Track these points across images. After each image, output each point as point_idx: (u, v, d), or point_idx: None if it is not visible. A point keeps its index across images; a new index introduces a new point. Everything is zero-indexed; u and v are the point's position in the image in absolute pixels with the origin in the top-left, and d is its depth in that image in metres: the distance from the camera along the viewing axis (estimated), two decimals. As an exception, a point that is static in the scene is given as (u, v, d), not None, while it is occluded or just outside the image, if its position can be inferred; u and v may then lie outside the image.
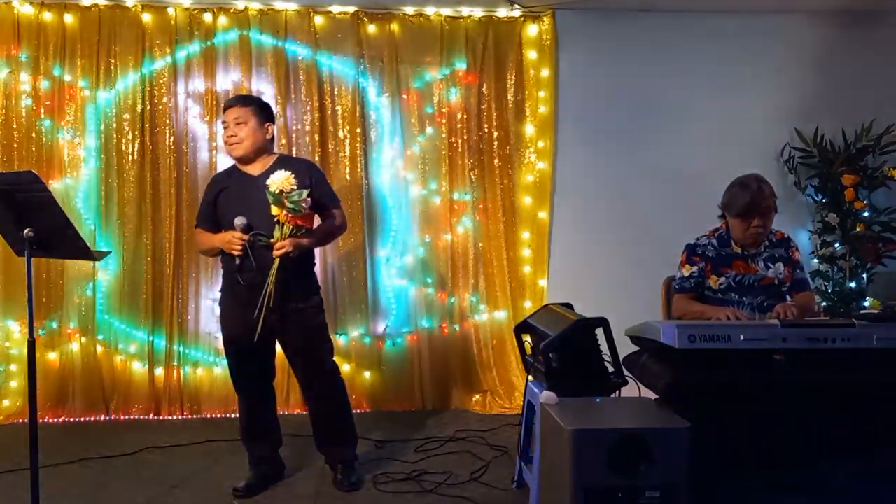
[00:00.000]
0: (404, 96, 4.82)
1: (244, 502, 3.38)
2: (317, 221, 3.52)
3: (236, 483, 3.47)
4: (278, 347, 3.54)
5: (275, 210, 3.18)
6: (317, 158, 4.60)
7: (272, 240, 3.21)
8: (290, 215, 3.17)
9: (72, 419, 4.56)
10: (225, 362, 4.64)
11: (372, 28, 4.77)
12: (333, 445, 3.59)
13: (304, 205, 3.18)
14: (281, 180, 3.13)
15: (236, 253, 3.25)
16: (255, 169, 3.40)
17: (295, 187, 3.14)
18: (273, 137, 3.49)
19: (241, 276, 3.29)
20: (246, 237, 3.23)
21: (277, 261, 3.21)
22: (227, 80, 4.69)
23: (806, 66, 4.97)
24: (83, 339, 4.62)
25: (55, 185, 4.55)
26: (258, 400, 3.53)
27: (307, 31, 4.71)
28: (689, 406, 2.57)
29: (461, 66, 4.82)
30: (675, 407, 2.62)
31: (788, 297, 3.37)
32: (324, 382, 3.52)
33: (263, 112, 3.43)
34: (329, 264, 4.72)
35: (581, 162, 4.92)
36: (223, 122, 3.43)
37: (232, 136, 3.36)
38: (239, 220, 3.24)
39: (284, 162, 3.43)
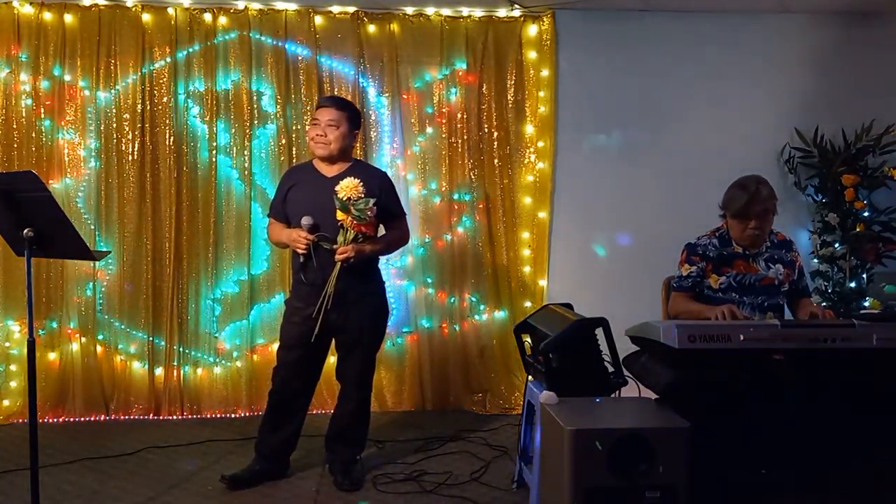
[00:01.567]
0: (404, 96, 4.82)
1: (244, 498, 3.39)
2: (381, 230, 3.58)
3: (224, 474, 3.49)
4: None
5: (340, 215, 3.24)
6: (317, 158, 4.60)
7: (335, 245, 3.27)
8: (354, 222, 3.22)
9: (72, 419, 4.55)
10: (225, 362, 4.71)
11: (372, 28, 4.76)
12: (344, 444, 3.61)
13: (369, 213, 3.24)
14: (349, 187, 3.21)
15: (300, 251, 3.31)
16: (330, 170, 3.46)
17: (362, 195, 3.22)
18: (355, 145, 3.56)
19: (304, 275, 3.37)
20: (311, 237, 3.28)
21: (338, 265, 3.27)
22: (227, 80, 4.69)
23: (806, 66, 4.97)
24: (83, 339, 4.62)
25: (55, 185, 4.55)
26: (293, 395, 3.55)
27: (307, 31, 4.71)
28: (689, 406, 2.57)
29: (461, 66, 4.82)
30: (675, 407, 2.62)
31: (786, 299, 3.39)
32: (362, 382, 3.59)
33: (355, 120, 3.52)
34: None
35: (581, 162, 4.92)
36: (314, 119, 3.46)
37: (321, 135, 3.41)
38: (305, 220, 3.30)
39: (358, 168, 3.50)
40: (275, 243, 3.74)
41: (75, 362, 4.61)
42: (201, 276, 4.69)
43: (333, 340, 3.54)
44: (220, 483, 3.47)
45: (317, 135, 3.42)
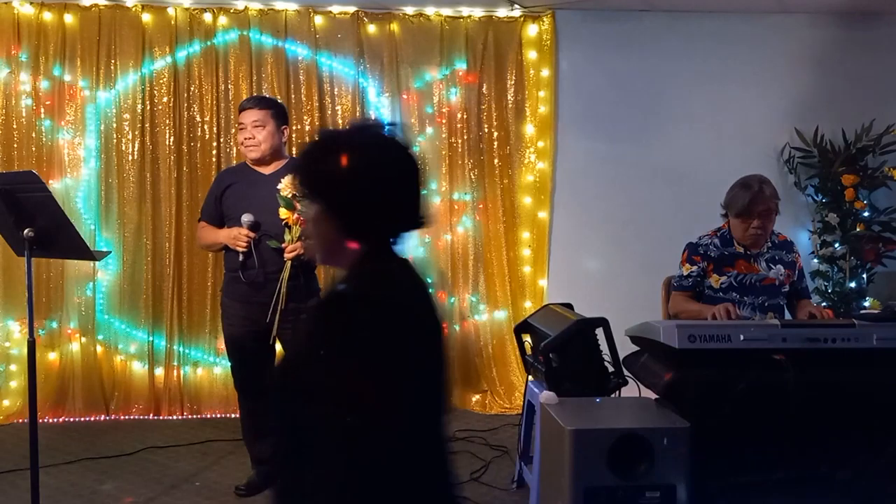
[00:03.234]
0: (404, 96, 4.82)
1: (245, 501, 3.39)
2: None
3: (237, 482, 3.49)
4: (278, 347, 3.54)
5: (284, 213, 3.21)
6: (317, 158, 4.59)
7: (283, 243, 3.24)
8: (300, 218, 3.20)
9: (72, 419, 4.55)
10: (225, 362, 4.69)
11: (372, 28, 4.76)
12: None
13: None
14: (294, 184, 3.16)
15: (241, 249, 3.26)
16: (266, 169, 3.43)
17: None
18: (287, 140, 3.53)
19: (243, 274, 3.30)
20: (252, 235, 3.24)
21: (289, 263, 3.24)
22: (227, 80, 4.69)
23: (806, 66, 4.97)
24: (83, 339, 4.62)
25: (55, 185, 4.55)
26: (259, 400, 3.53)
27: (307, 31, 4.71)
28: (689, 406, 2.57)
29: (461, 66, 4.82)
30: (675, 407, 2.62)
31: (786, 300, 3.39)
32: None
33: (280, 115, 3.47)
34: (329, 264, 4.72)
35: (581, 162, 4.92)
36: (240, 125, 3.42)
37: (249, 138, 3.37)
38: (246, 218, 3.26)
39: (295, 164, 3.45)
40: (206, 247, 3.64)
41: (75, 362, 4.61)
42: (201, 276, 4.69)
43: (279, 344, 3.48)
44: (236, 494, 3.45)
45: (245, 139, 3.37)
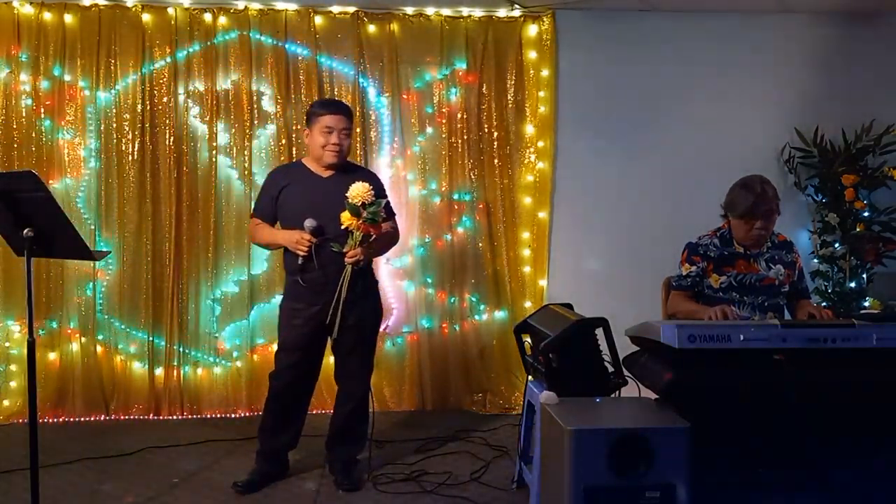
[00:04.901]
0: (404, 96, 4.82)
1: (244, 499, 3.40)
2: None
3: (237, 481, 3.49)
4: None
5: (347, 218, 3.25)
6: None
7: (345, 249, 3.29)
8: (364, 224, 3.25)
9: (72, 419, 4.55)
10: (225, 363, 4.71)
11: (372, 28, 4.76)
12: (344, 444, 3.61)
13: (382, 214, 3.28)
14: (362, 192, 3.23)
15: (301, 254, 3.31)
16: (325, 171, 3.47)
17: (373, 198, 3.25)
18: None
19: (302, 277, 3.37)
20: (314, 240, 3.29)
21: (349, 268, 3.29)
22: (227, 80, 4.69)
23: (806, 66, 4.97)
24: (83, 339, 4.62)
25: (55, 185, 4.55)
26: (296, 398, 3.56)
27: (307, 31, 4.71)
28: (689, 406, 2.57)
29: (461, 66, 4.82)
30: (675, 407, 2.62)
31: (785, 300, 3.39)
32: (362, 381, 3.59)
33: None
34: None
35: (581, 162, 4.92)
36: (328, 127, 3.42)
37: (337, 144, 3.42)
38: (309, 223, 3.31)
39: (351, 169, 3.54)
40: (263, 245, 3.68)
41: (75, 362, 4.61)
42: (201, 276, 4.69)
43: (330, 341, 3.53)
44: (234, 489, 3.45)
45: (333, 144, 3.42)
